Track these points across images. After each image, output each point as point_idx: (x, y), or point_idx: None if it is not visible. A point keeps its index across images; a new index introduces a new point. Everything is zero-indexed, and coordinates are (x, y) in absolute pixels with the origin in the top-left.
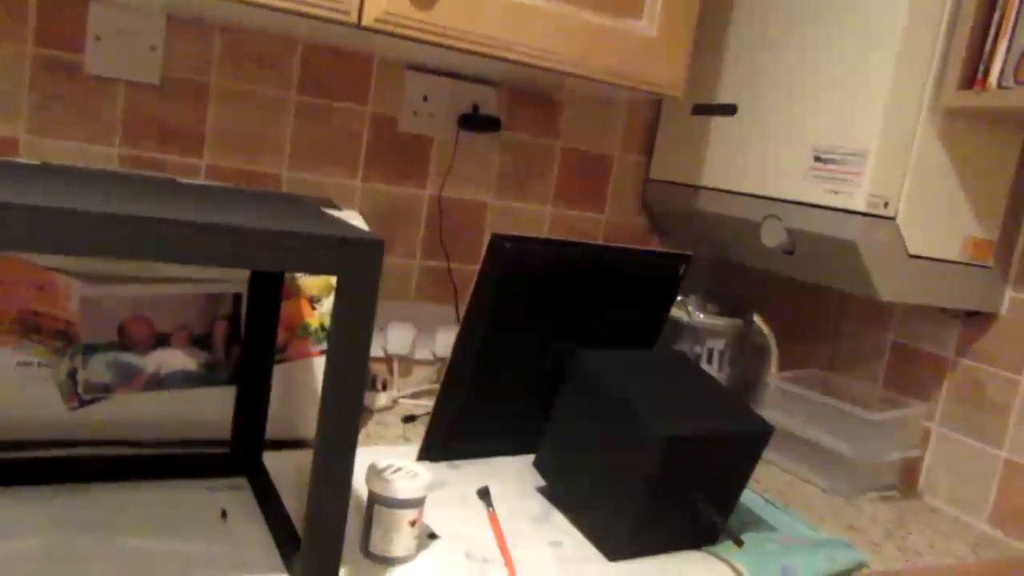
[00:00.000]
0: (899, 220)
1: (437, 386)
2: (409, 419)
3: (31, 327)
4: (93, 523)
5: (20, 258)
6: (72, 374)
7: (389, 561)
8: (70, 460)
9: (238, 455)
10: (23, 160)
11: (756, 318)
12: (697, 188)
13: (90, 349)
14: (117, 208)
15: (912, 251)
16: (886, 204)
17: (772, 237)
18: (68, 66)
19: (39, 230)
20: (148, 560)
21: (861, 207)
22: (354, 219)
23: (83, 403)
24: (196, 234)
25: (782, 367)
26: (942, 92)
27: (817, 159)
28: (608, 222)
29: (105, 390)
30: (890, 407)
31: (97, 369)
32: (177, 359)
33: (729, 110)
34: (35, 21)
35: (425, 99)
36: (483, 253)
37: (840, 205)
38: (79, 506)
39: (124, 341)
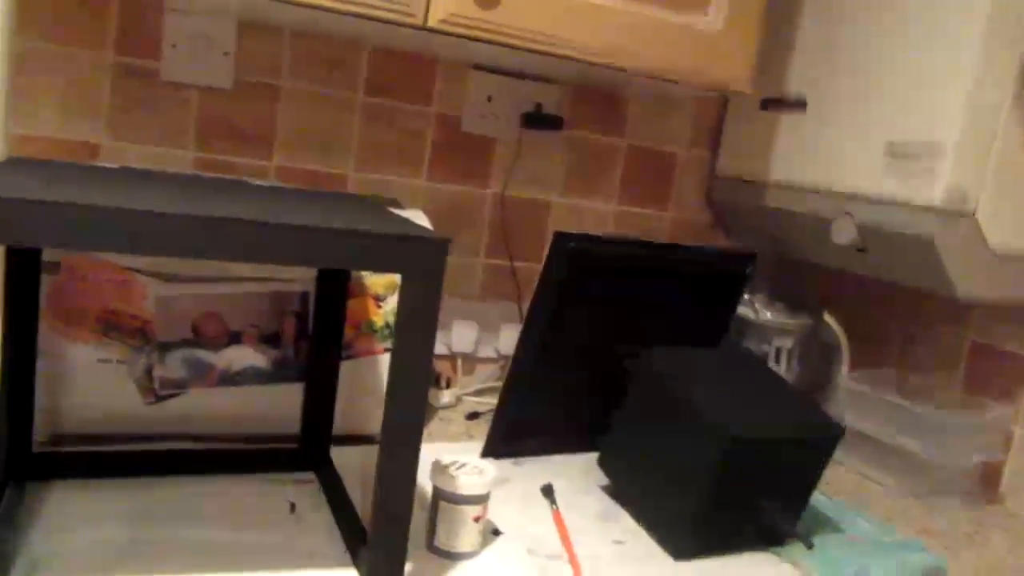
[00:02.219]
0: (979, 215)
1: (500, 384)
2: (472, 416)
3: (110, 325)
4: (169, 514)
5: (100, 258)
6: (148, 370)
7: (454, 556)
8: (147, 454)
9: (306, 450)
10: (104, 164)
11: (826, 316)
12: (765, 184)
13: (165, 346)
14: (192, 209)
15: (993, 247)
16: (965, 199)
17: (843, 234)
18: (145, 73)
19: (120, 231)
20: (221, 550)
21: (938, 202)
22: (418, 218)
23: (159, 399)
24: (265, 233)
25: (853, 367)
26: None
27: (892, 153)
28: (673, 219)
29: (180, 386)
30: (970, 409)
31: (172, 366)
32: (248, 356)
33: (799, 105)
34: (115, 30)
35: (489, 99)
36: (546, 251)
37: (916, 200)
38: (156, 498)
39: (197, 338)
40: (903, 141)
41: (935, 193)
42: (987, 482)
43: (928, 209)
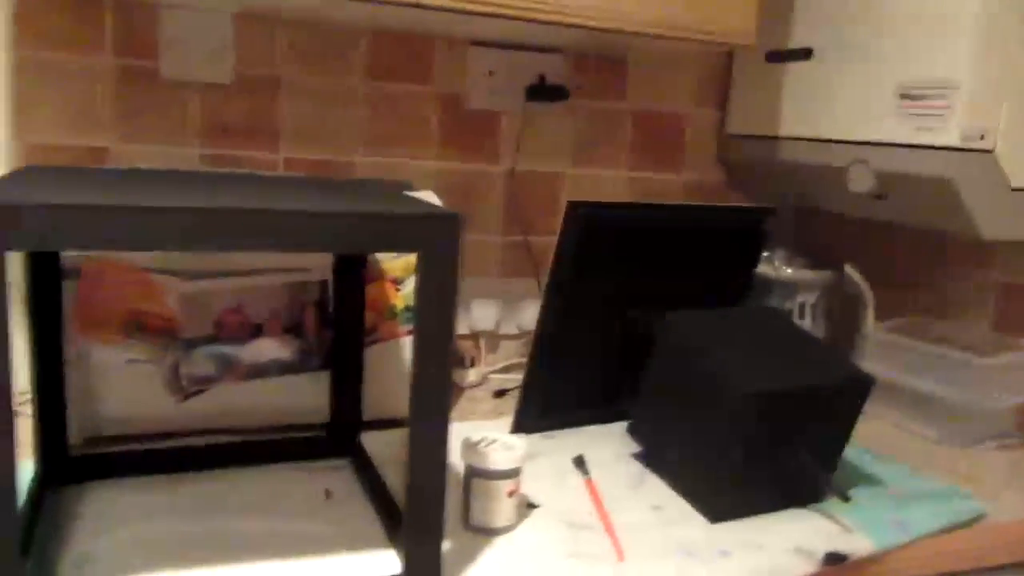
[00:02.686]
0: (998, 152)
1: (525, 360)
2: (500, 394)
3: (136, 326)
4: (208, 507)
5: (123, 261)
6: (176, 368)
7: (490, 532)
8: (181, 450)
9: (337, 437)
10: (114, 167)
11: (848, 268)
12: (776, 139)
13: (191, 343)
14: (208, 203)
15: (1015, 184)
16: (982, 136)
17: (860, 183)
18: (146, 73)
19: (138, 228)
20: (262, 539)
21: (955, 142)
22: (430, 199)
23: (188, 395)
24: (282, 221)
25: (879, 316)
26: None
27: (904, 96)
28: (686, 181)
29: (207, 382)
30: (1002, 350)
31: (198, 362)
32: (272, 348)
33: (804, 54)
34: (111, 32)
35: (490, 74)
36: (560, 223)
37: (932, 142)
38: (193, 492)
39: (221, 334)
40: (915, 83)
41: (951, 133)
42: (1022, 424)
43: (945, 150)
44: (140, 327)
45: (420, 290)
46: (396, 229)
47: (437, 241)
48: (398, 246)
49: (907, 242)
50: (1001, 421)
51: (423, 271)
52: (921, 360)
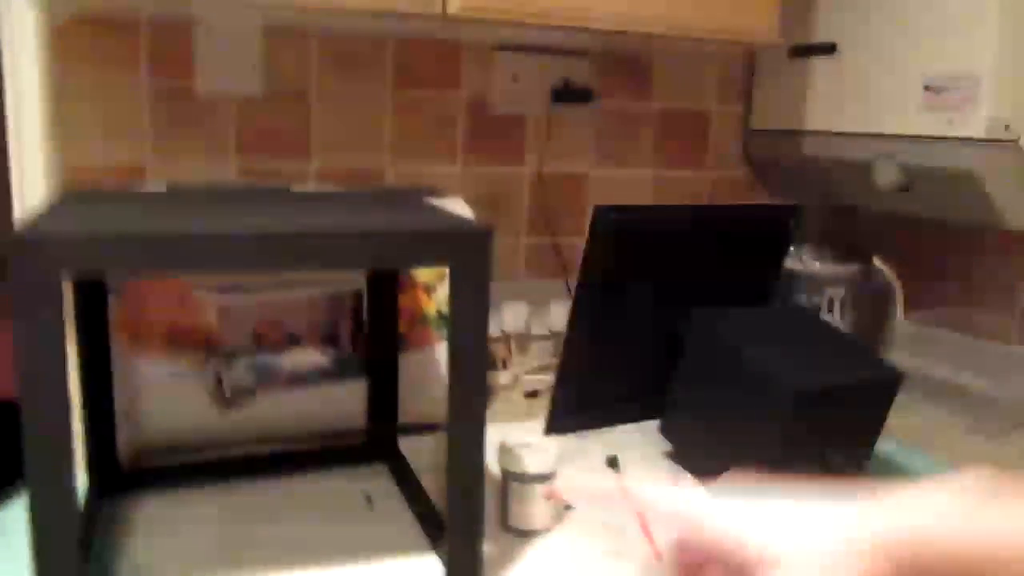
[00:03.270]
0: (1023, 142)
1: (556, 360)
2: (532, 394)
3: (178, 340)
4: (254, 515)
5: (163, 277)
6: (219, 380)
7: (529, 534)
8: (226, 460)
9: (375, 443)
10: (150, 188)
11: (876, 261)
12: (801, 133)
13: (231, 355)
14: (244, 227)
15: None
16: (1007, 127)
17: (885, 176)
18: (180, 89)
19: (182, 255)
20: (306, 545)
21: (980, 133)
22: (458, 206)
23: (230, 406)
24: (314, 243)
25: (908, 309)
26: None
27: (927, 88)
28: (712, 179)
29: (249, 392)
30: None
31: (239, 373)
32: (310, 357)
33: (828, 49)
34: (147, 51)
35: (515, 78)
36: (587, 225)
37: (957, 134)
38: (239, 501)
39: (261, 345)
40: (939, 75)
41: (976, 125)
42: None
43: (970, 141)
44: (182, 341)
45: (453, 302)
46: (428, 245)
47: (468, 255)
48: (430, 261)
49: (933, 234)
50: None
51: (455, 284)
52: (950, 351)
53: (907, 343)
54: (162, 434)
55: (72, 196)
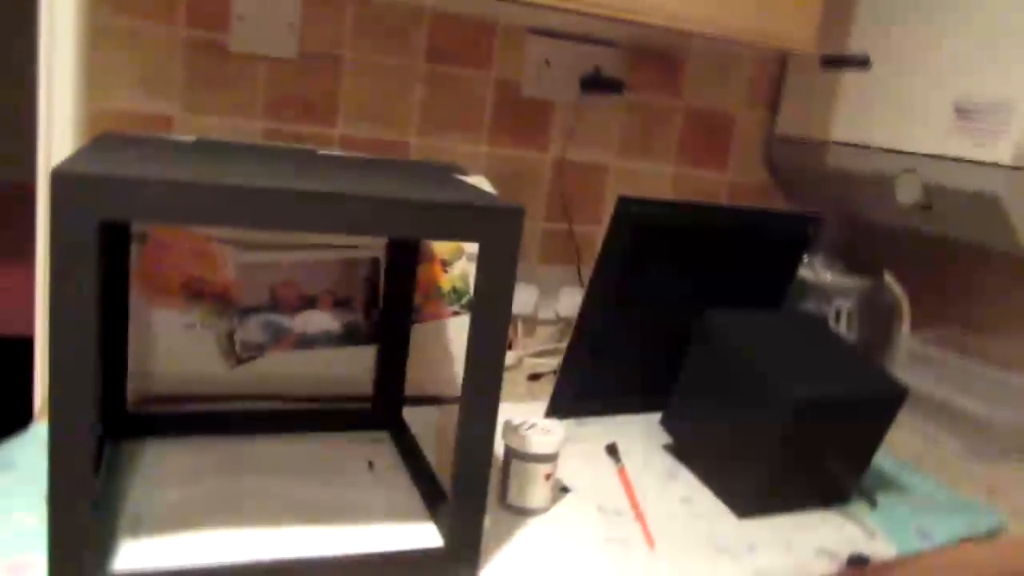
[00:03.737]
0: None
1: (560, 345)
2: (534, 377)
3: (195, 291)
4: (255, 470)
5: (186, 228)
6: (230, 335)
7: (527, 512)
8: (231, 413)
9: (380, 410)
10: (180, 137)
11: (887, 276)
12: (826, 144)
13: (246, 311)
14: (273, 183)
15: None
16: None
17: (908, 193)
18: (214, 45)
19: (210, 206)
20: (307, 504)
21: (1007, 160)
22: (483, 184)
23: (240, 361)
24: (345, 205)
25: (915, 327)
26: None
27: (959, 111)
28: (731, 181)
29: (259, 349)
30: None
31: (252, 330)
32: (322, 320)
33: (862, 62)
34: (185, 2)
35: (547, 63)
36: (608, 215)
37: (984, 158)
38: (241, 455)
39: (275, 304)
40: (971, 99)
41: (1004, 151)
42: None
43: (996, 167)
44: (198, 293)
45: (479, 278)
46: (460, 219)
47: (499, 232)
48: (461, 236)
49: (947, 254)
50: None
51: (483, 260)
52: (951, 372)
53: (910, 360)
54: (171, 383)
55: (107, 140)
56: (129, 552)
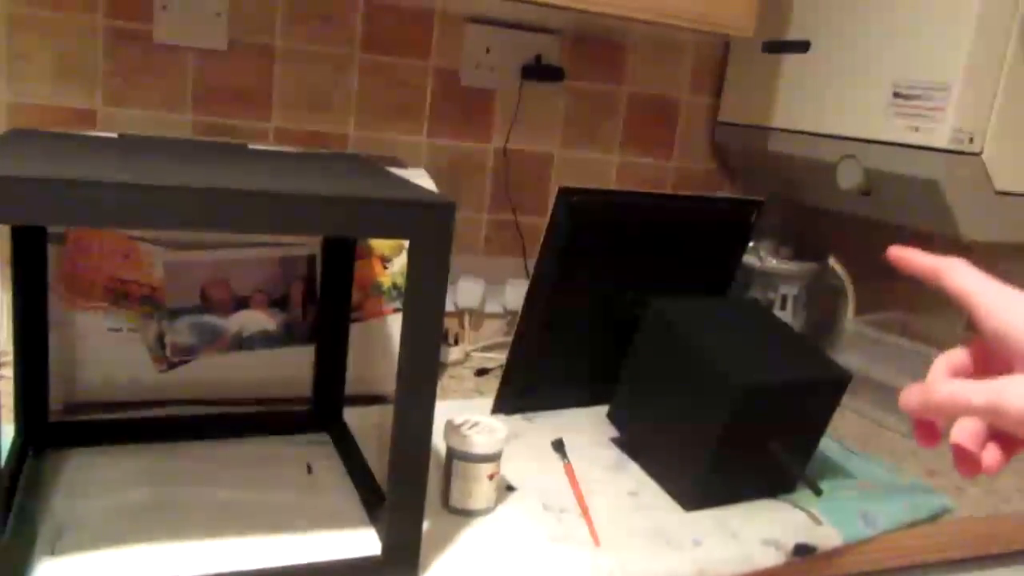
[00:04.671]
0: (985, 156)
1: (508, 339)
2: (481, 372)
3: (119, 294)
4: (188, 478)
5: (108, 229)
6: (160, 338)
7: (469, 513)
8: (162, 420)
9: (319, 412)
10: (101, 133)
11: (832, 261)
12: (769, 129)
13: (175, 313)
14: (194, 181)
15: (999, 187)
16: (971, 139)
17: (848, 178)
18: (138, 35)
19: (124, 207)
20: (242, 511)
21: (944, 144)
22: (421, 177)
23: (171, 365)
24: (269, 204)
25: (859, 311)
26: None
27: (896, 95)
28: (677, 168)
29: (191, 352)
30: None
31: (182, 332)
32: (257, 320)
33: (802, 47)
34: None
35: (487, 51)
36: (551, 205)
37: (921, 142)
38: (173, 463)
39: (206, 304)
40: (908, 82)
41: (941, 134)
42: None
43: (934, 150)
44: (123, 295)
45: (410, 276)
46: (388, 215)
47: (429, 228)
48: (390, 232)
49: (891, 238)
50: None
51: (414, 257)
52: (895, 354)
53: (854, 344)
54: (97, 389)
55: (16, 135)
56: (46, 571)
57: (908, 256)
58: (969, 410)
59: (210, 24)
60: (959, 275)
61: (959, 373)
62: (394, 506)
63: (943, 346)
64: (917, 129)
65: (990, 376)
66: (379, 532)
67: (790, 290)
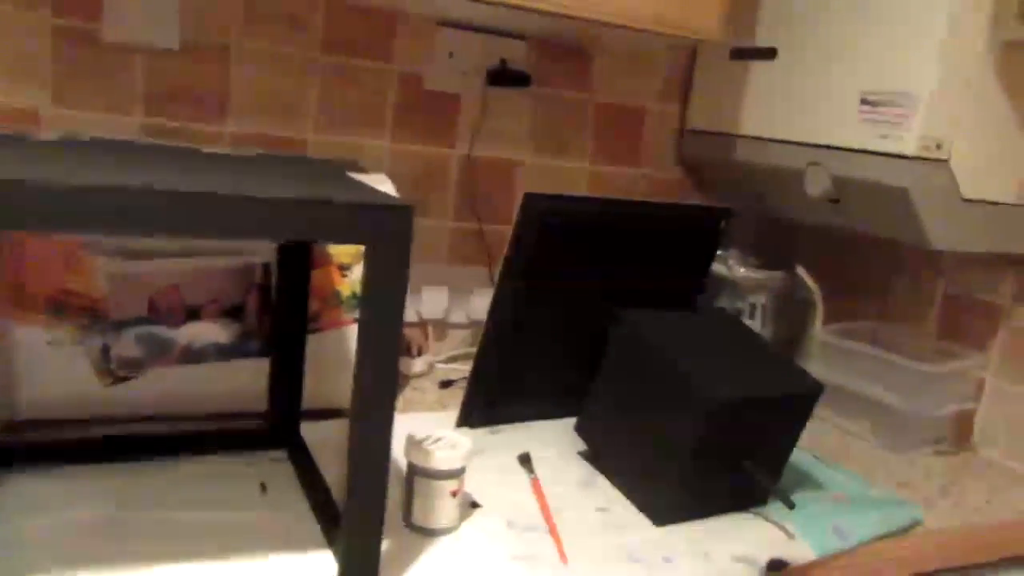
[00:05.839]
0: (952, 163)
1: (473, 350)
2: (446, 384)
3: (60, 305)
4: (136, 499)
5: (48, 236)
6: (105, 351)
7: (432, 532)
8: (109, 438)
9: (275, 427)
10: (44, 135)
11: (800, 271)
12: (736, 137)
13: (120, 325)
14: (141, 183)
15: (966, 195)
16: (939, 146)
17: (816, 185)
18: (86, 34)
19: (62, 208)
20: (191, 534)
21: (912, 151)
22: (382, 183)
23: (117, 379)
24: (218, 207)
25: (828, 321)
26: (1000, 24)
27: (864, 102)
28: (646, 176)
29: (138, 365)
30: (943, 358)
31: (129, 344)
32: (209, 332)
33: (769, 54)
34: None
35: (451, 55)
36: (516, 213)
37: (890, 150)
38: (121, 483)
39: (154, 316)
40: (876, 91)
41: (909, 142)
42: (960, 431)
43: (902, 158)
44: (64, 306)
45: (367, 284)
46: (344, 219)
47: (387, 233)
48: (346, 237)
49: (860, 248)
50: (938, 428)
51: (371, 264)
52: (864, 365)
53: (823, 354)
54: (39, 407)
55: None
56: None
57: None
58: None
59: (162, 22)
60: None
61: None
62: (350, 526)
63: (909, 355)
64: (885, 136)
65: None
66: (335, 554)
67: (758, 300)
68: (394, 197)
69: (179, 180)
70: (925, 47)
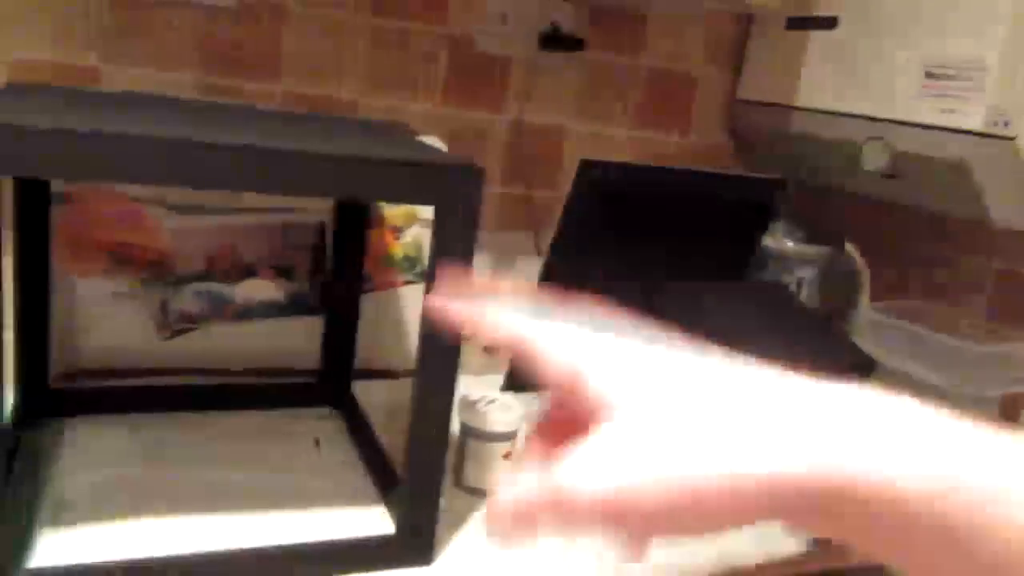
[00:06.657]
0: (1020, 140)
1: None
2: (489, 349)
3: (123, 258)
4: (186, 451)
5: (113, 189)
6: (164, 305)
7: (484, 493)
8: (164, 389)
9: (327, 385)
10: (106, 89)
11: (848, 245)
12: (790, 108)
13: (180, 280)
14: (209, 137)
15: None
16: (1007, 123)
17: (875, 160)
18: None
19: (130, 160)
20: (246, 488)
21: (978, 126)
22: (437, 144)
23: (175, 333)
24: (291, 163)
25: (875, 297)
26: None
27: (929, 75)
28: (692, 145)
29: (195, 320)
30: (993, 339)
31: (187, 299)
32: (264, 289)
33: (829, 23)
34: None
35: (504, 18)
36: (570, 179)
37: (954, 125)
38: (175, 434)
39: (212, 272)
40: (942, 62)
41: (975, 117)
42: (1007, 414)
43: (966, 133)
44: (127, 259)
45: (435, 245)
46: (413, 179)
47: (456, 194)
48: (414, 197)
49: (909, 224)
50: (986, 410)
51: (439, 225)
52: (911, 343)
53: (868, 331)
54: (98, 356)
55: (15, 88)
56: (51, 544)
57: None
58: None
59: None
60: (504, 327)
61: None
62: (411, 486)
63: (958, 334)
64: (950, 111)
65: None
66: (391, 511)
67: (806, 273)
68: (464, 157)
69: (247, 136)
70: (995, 16)
